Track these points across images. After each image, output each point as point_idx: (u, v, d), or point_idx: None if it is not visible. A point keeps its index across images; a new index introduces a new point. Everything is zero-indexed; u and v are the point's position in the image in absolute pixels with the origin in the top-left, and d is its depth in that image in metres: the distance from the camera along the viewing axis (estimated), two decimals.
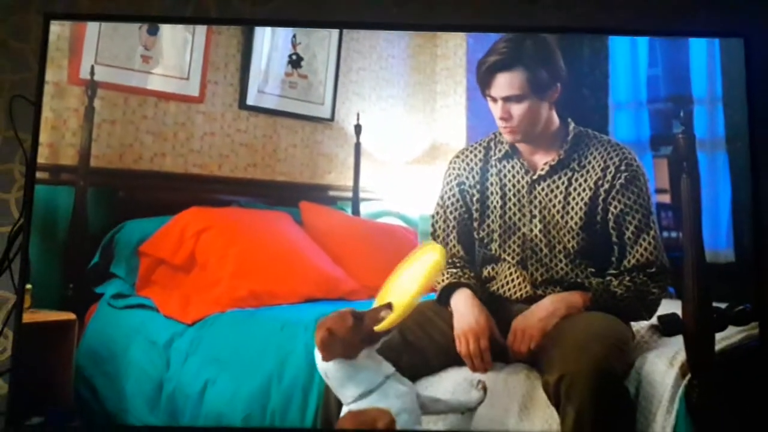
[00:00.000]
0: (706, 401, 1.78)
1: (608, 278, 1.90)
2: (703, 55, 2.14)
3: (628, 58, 2.29)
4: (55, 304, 2.06)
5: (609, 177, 1.90)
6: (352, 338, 1.70)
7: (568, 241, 1.91)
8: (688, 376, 1.79)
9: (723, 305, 1.92)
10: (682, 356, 1.81)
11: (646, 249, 1.88)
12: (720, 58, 2.10)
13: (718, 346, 1.85)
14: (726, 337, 1.90)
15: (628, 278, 1.88)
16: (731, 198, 2.09)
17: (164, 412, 1.99)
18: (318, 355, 1.72)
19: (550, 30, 2.09)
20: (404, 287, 1.77)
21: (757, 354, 1.89)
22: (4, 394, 2.05)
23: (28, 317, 1.95)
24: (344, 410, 1.74)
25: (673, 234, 2.03)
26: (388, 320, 1.70)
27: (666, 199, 2.12)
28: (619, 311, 1.87)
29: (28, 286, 1.96)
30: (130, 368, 2.05)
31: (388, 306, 1.73)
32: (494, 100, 1.93)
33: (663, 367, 1.80)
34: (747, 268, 1.97)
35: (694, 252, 1.85)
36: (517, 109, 1.91)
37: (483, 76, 1.92)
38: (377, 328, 1.70)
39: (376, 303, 1.78)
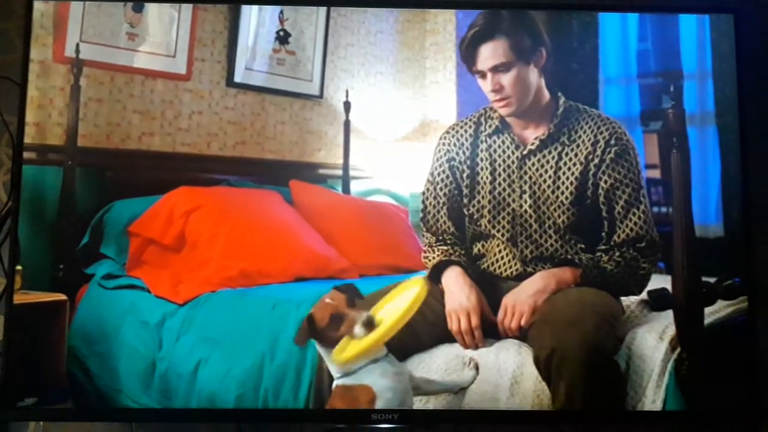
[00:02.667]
0: (695, 375, 1.81)
1: (598, 254, 1.91)
2: (693, 30, 2.13)
3: (618, 32, 2.28)
4: (45, 286, 2.06)
5: (599, 151, 1.91)
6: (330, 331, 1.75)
7: (558, 216, 1.92)
8: (678, 350, 1.82)
9: (712, 280, 1.94)
10: (671, 330, 1.84)
11: (635, 223, 1.89)
12: (710, 32, 2.10)
13: (707, 321, 1.88)
14: (715, 312, 1.92)
15: (617, 253, 1.89)
16: (721, 172, 2.09)
17: (157, 392, 2.00)
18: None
19: (540, 6, 2.08)
20: (387, 314, 1.77)
21: (745, 328, 1.91)
22: None
23: (19, 298, 1.95)
24: (334, 383, 1.77)
25: (663, 209, 2.04)
26: (360, 346, 1.72)
27: (656, 174, 2.13)
28: (610, 287, 1.89)
29: (19, 267, 1.96)
30: (122, 348, 2.05)
31: (370, 321, 1.73)
32: (482, 75, 1.93)
33: (653, 341, 1.83)
34: (736, 243, 1.98)
35: (683, 227, 1.87)
36: (507, 78, 1.91)
37: (466, 52, 1.92)
38: (345, 355, 1.72)
39: None
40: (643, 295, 1.95)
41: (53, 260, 2.11)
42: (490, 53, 1.90)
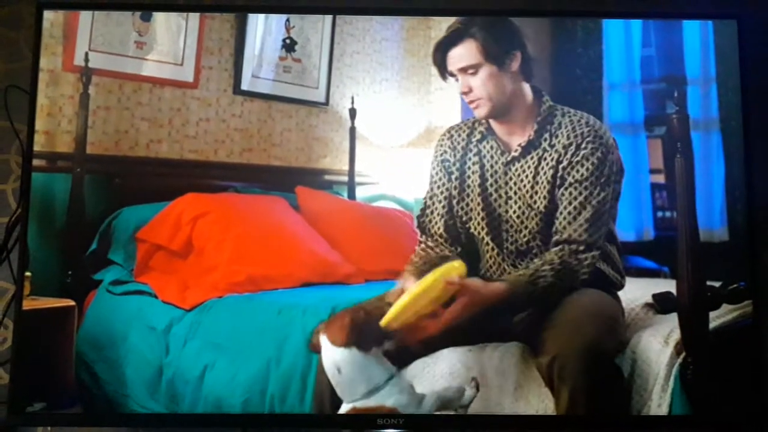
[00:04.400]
0: (700, 379, 1.81)
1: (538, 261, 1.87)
2: (696, 36, 2.13)
3: (622, 38, 2.28)
4: (54, 292, 2.07)
5: (569, 154, 1.88)
6: (367, 328, 1.73)
7: (533, 220, 1.91)
8: (683, 354, 1.81)
9: (717, 284, 1.93)
10: (676, 334, 1.83)
11: (576, 229, 1.86)
12: (713, 38, 2.10)
13: (712, 325, 1.87)
14: (720, 316, 1.91)
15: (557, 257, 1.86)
16: (725, 177, 2.08)
17: (164, 397, 2.01)
18: (330, 347, 1.72)
19: (544, 13, 2.08)
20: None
21: (750, 332, 1.91)
22: (5, 384, 2.07)
23: (27, 304, 1.96)
24: (346, 407, 1.74)
25: (668, 213, 2.04)
26: (388, 315, 1.73)
27: (660, 179, 2.13)
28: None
29: (28, 273, 1.97)
30: (129, 354, 2.06)
31: (389, 303, 1.76)
32: (455, 78, 1.93)
33: (658, 345, 1.82)
34: (740, 247, 1.97)
35: (688, 231, 1.86)
36: (475, 80, 1.90)
37: (436, 57, 1.93)
38: (382, 322, 1.73)
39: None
40: (648, 298, 1.96)
41: (62, 266, 2.13)
42: (458, 56, 1.90)
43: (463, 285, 1.78)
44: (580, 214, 1.85)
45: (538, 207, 1.90)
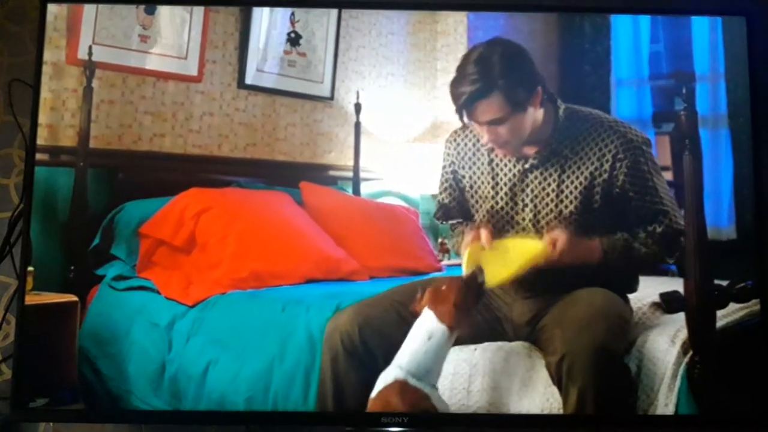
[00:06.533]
0: (707, 378, 1.79)
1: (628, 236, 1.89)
2: (705, 32, 2.13)
3: (630, 34, 2.28)
4: (56, 287, 2.06)
5: (606, 166, 1.87)
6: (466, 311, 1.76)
7: (565, 226, 1.90)
8: (690, 354, 1.80)
9: (724, 282, 1.91)
10: (683, 334, 1.82)
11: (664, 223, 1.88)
12: (722, 34, 2.09)
13: (719, 324, 1.86)
14: (727, 315, 1.90)
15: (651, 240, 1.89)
16: (733, 175, 2.08)
17: (167, 393, 2.00)
18: (434, 320, 1.72)
19: (552, 8, 2.07)
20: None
21: (758, 331, 1.90)
22: (8, 379, 2.07)
23: (30, 299, 1.95)
24: (396, 377, 1.72)
25: None
26: (497, 278, 1.79)
27: (668, 176, 2.11)
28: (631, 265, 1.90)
29: (30, 268, 1.96)
30: (132, 350, 2.05)
31: (480, 270, 1.78)
32: (478, 123, 1.88)
33: (665, 344, 1.81)
34: (748, 246, 1.96)
35: (695, 229, 1.85)
36: (503, 129, 1.86)
37: (462, 106, 1.85)
38: (488, 284, 1.77)
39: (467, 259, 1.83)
40: (656, 297, 1.94)
41: (64, 261, 2.12)
42: (486, 109, 1.83)
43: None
44: (659, 218, 1.89)
45: (564, 213, 1.89)
